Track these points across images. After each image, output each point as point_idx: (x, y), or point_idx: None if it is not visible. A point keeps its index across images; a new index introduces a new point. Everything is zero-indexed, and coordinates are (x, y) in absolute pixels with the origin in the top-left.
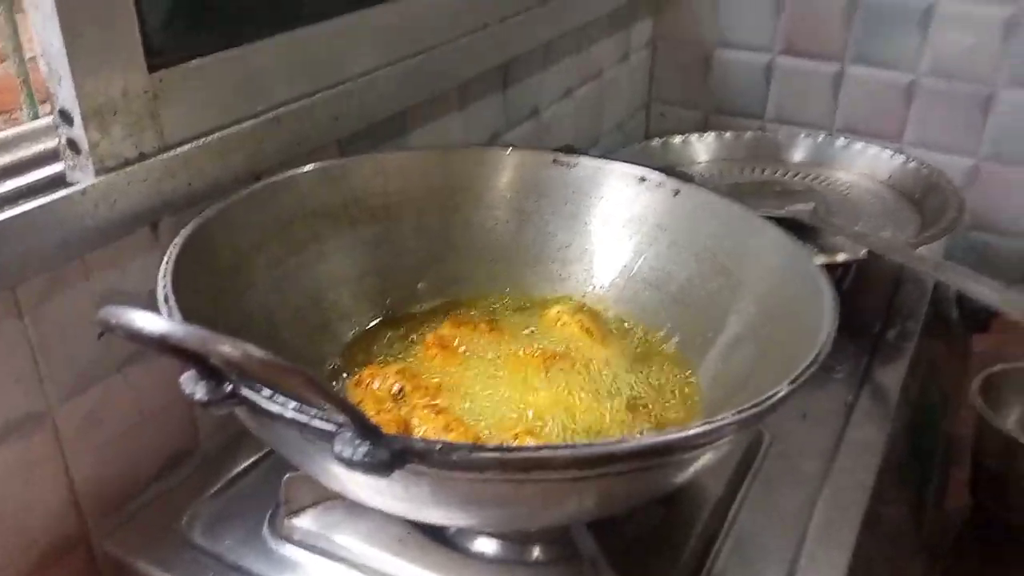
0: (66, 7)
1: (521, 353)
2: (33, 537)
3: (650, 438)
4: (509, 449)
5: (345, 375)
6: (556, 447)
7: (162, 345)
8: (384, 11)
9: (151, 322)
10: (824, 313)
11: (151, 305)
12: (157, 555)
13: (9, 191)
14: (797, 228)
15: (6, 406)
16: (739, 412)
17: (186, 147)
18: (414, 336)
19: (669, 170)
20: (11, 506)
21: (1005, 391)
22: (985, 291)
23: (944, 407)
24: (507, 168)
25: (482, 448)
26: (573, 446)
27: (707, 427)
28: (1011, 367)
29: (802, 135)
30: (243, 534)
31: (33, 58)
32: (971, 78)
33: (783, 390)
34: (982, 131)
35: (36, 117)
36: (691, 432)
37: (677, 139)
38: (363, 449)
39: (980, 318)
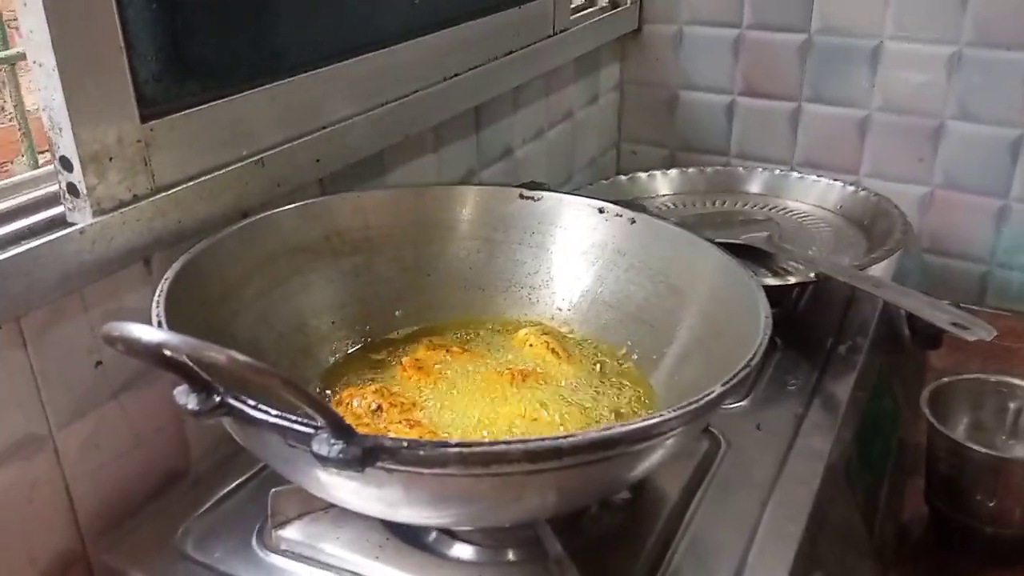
0: (66, 64)
1: (491, 372)
2: (35, 553)
3: (594, 433)
4: (468, 444)
5: (327, 396)
6: (510, 441)
7: (157, 354)
8: (360, 63)
9: (149, 333)
10: (759, 326)
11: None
12: (153, 567)
13: (13, 231)
14: (754, 254)
15: (10, 429)
16: (675, 410)
17: (176, 189)
18: (392, 360)
19: (624, 202)
20: (14, 523)
21: (954, 402)
22: (917, 305)
23: (898, 418)
24: (477, 203)
25: (445, 444)
26: (525, 440)
27: (646, 423)
28: (959, 379)
29: (759, 169)
30: (233, 546)
31: (31, 109)
32: (921, 112)
33: (716, 391)
34: (933, 161)
35: (36, 166)
36: (632, 427)
37: (643, 175)
38: (337, 447)
39: (930, 333)
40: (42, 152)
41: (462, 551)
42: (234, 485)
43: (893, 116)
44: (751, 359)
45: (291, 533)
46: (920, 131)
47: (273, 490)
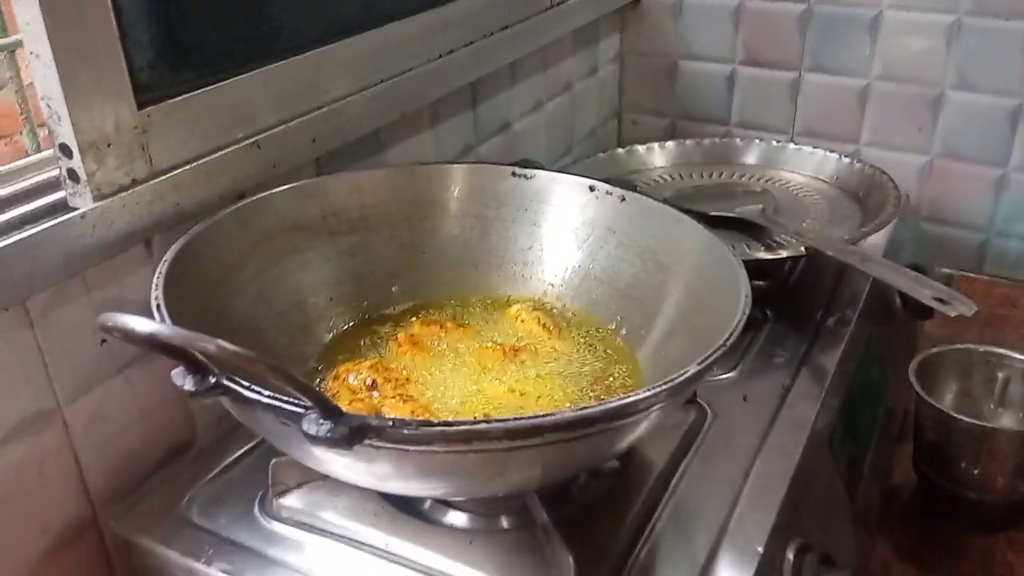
0: (62, 55)
1: (483, 347)
2: (47, 522)
3: (572, 411)
4: (451, 423)
5: (324, 372)
6: (491, 420)
7: (152, 343)
8: (355, 42)
9: (141, 324)
10: (739, 304)
11: (147, 314)
12: (160, 534)
13: (17, 216)
14: (748, 227)
15: (20, 405)
16: (650, 389)
17: (174, 173)
18: (388, 335)
19: (615, 179)
20: (27, 494)
21: (942, 372)
22: (902, 280)
23: (886, 387)
24: (470, 181)
25: (428, 423)
26: (506, 420)
27: (623, 401)
28: (947, 349)
29: (756, 140)
30: (237, 513)
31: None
32: (920, 81)
33: (692, 370)
34: (933, 130)
35: (39, 150)
36: (610, 406)
37: (641, 148)
38: (326, 427)
39: (921, 305)
40: (42, 125)
41: (456, 518)
42: (237, 455)
43: (893, 85)
44: (727, 338)
45: (291, 501)
46: (920, 100)
47: (274, 460)
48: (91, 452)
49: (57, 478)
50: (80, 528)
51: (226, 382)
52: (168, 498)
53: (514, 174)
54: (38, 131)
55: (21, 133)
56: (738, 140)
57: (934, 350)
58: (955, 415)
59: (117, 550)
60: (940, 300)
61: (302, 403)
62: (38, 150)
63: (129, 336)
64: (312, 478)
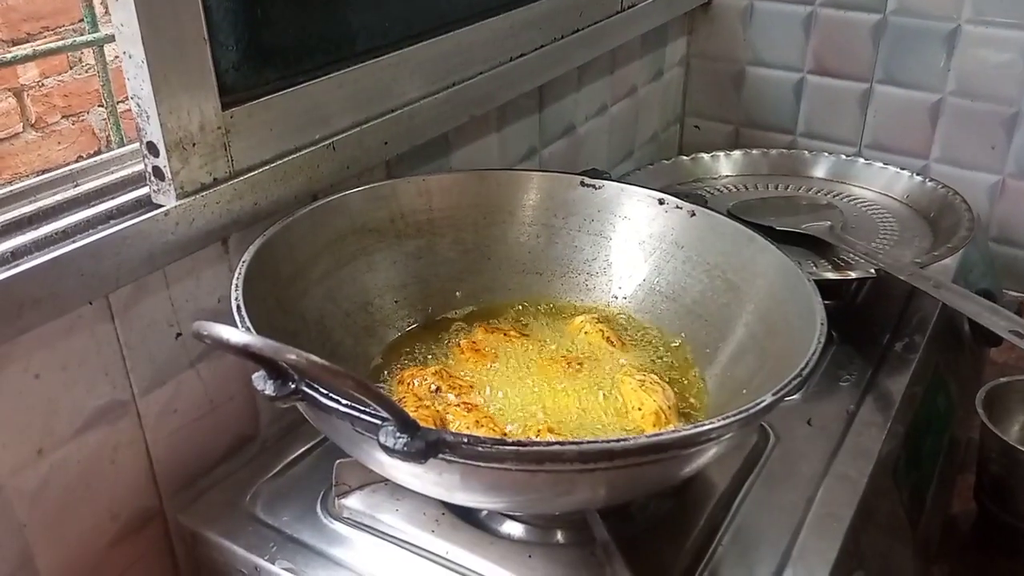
0: (154, 57)
1: (546, 358)
2: (117, 509)
3: (644, 438)
4: (525, 443)
5: (387, 372)
6: (564, 443)
7: (243, 352)
8: (427, 47)
9: (234, 335)
10: (815, 332)
11: (220, 308)
12: (225, 527)
13: (103, 211)
14: (814, 243)
15: (98, 395)
16: (725, 418)
17: (253, 173)
18: (450, 339)
19: (685, 194)
20: (100, 482)
21: (1010, 403)
22: (976, 310)
23: (951, 416)
24: (538, 189)
25: (503, 442)
26: (579, 442)
27: (696, 429)
28: (1015, 380)
29: (825, 154)
30: (299, 511)
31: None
32: (996, 98)
33: (767, 400)
34: (1007, 149)
35: (123, 144)
36: (682, 433)
37: (706, 156)
38: (403, 440)
39: (990, 333)
40: (121, 100)
41: (512, 528)
42: (301, 451)
43: (967, 101)
44: (803, 368)
45: (353, 502)
46: (994, 118)
47: (338, 461)
48: (161, 443)
49: (129, 467)
50: (147, 517)
51: (306, 389)
52: (232, 492)
53: (583, 184)
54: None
55: (88, 112)
56: (806, 152)
57: (1002, 380)
58: (1021, 448)
59: (181, 540)
60: (1016, 333)
61: (379, 415)
62: (121, 143)
63: (221, 345)
64: (374, 480)
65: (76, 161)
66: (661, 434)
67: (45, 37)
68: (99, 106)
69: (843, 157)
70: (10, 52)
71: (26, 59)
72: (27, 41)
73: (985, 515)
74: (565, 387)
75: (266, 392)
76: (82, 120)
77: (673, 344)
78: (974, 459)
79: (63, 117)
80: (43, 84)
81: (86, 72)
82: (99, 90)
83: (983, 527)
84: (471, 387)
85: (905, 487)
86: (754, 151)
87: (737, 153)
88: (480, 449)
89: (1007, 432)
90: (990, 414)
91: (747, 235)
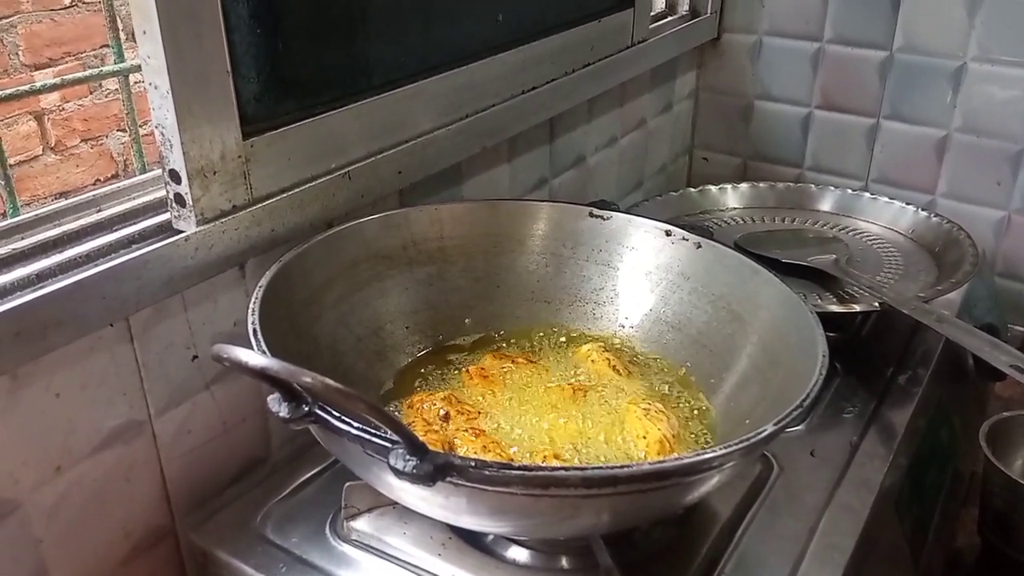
0: (179, 88)
1: (553, 385)
2: (130, 527)
3: (648, 464)
4: (530, 468)
5: (397, 397)
6: (569, 468)
7: (260, 375)
8: (442, 80)
9: (253, 358)
10: (816, 364)
11: (236, 332)
12: (235, 547)
13: (126, 235)
14: (820, 276)
15: (116, 414)
16: (727, 447)
17: (271, 200)
18: (459, 365)
19: (692, 226)
20: (115, 500)
21: (1015, 437)
22: (979, 345)
23: (955, 449)
24: (547, 219)
25: (509, 466)
26: (583, 468)
27: (699, 457)
28: (1019, 414)
29: (831, 188)
30: (308, 532)
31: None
32: (1001, 135)
33: (768, 429)
34: (1013, 185)
35: (144, 170)
36: (685, 461)
37: (713, 188)
38: (412, 463)
39: (994, 367)
40: (142, 124)
41: (518, 554)
42: (311, 474)
43: (973, 138)
44: (804, 399)
45: (361, 525)
46: (1000, 154)
47: (347, 484)
48: (175, 463)
49: (143, 486)
50: (160, 535)
51: (319, 411)
52: (243, 512)
53: (591, 214)
54: (133, 145)
55: (107, 136)
56: (813, 186)
57: (1006, 414)
58: None
59: (192, 559)
60: (1017, 368)
61: (389, 437)
62: (143, 169)
63: (240, 367)
64: (383, 503)
65: (94, 184)
66: (664, 461)
67: (67, 63)
68: (118, 130)
69: (849, 191)
70: (37, 81)
71: (54, 88)
72: (49, 66)
73: (989, 549)
74: (571, 414)
75: (280, 414)
76: (101, 144)
77: (679, 372)
78: (978, 493)
79: (82, 141)
80: (63, 108)
81: (106, 97)
82: (118, 115)
83: (987, 561)
84: (479, 413)
85: (907, 519)
86: (761, 184)
87: (744, 186)
88: (487, 473)
89: (1011, 466)
90: (994, 448)
91: (752, 267)
